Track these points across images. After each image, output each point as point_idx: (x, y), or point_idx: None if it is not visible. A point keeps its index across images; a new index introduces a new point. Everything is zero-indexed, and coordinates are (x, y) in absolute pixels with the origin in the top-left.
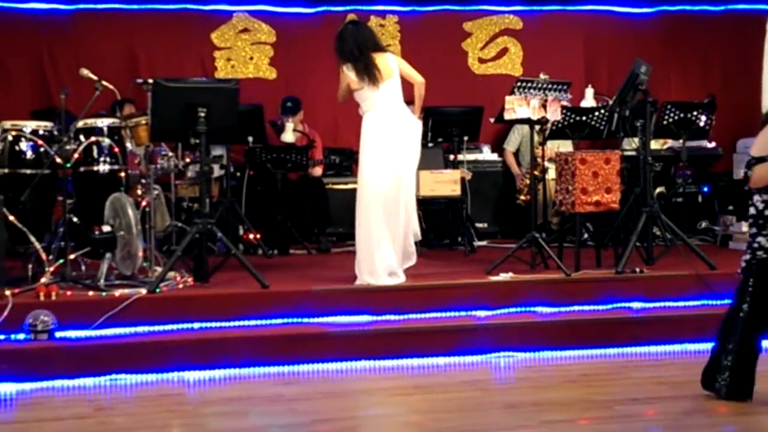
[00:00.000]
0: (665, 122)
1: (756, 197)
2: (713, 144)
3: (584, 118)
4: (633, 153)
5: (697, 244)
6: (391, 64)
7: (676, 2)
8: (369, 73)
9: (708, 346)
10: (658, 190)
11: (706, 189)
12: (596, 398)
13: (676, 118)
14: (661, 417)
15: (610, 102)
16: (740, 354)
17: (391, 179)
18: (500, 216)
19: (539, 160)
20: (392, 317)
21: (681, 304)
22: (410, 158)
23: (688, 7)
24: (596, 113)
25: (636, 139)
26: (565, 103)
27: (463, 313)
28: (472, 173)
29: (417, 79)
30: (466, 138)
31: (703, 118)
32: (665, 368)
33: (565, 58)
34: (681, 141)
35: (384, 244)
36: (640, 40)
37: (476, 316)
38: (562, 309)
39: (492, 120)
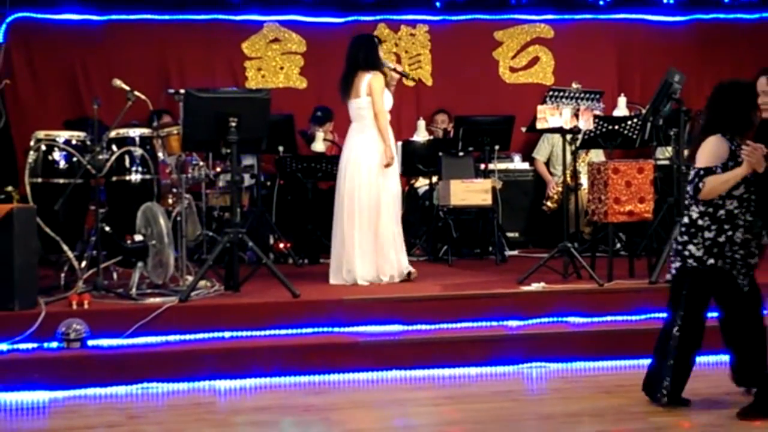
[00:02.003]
0: None
1: (693, 207)
2: None
3: (617, 127)
4: (666, 162)
5: None
6: (362, 84)
7: (710, 10)
8: (343, 87)
9: None
10: None
11: None
12: (629, 409)
13: None
14: (694, 429)
15: (643, 111)
16: (677, 368)
17: (341, 188)
18: (531, 225)
19: (571, 168)
20: (424, 327)
21: (714, 314)
22: (355, 182)
23: (721, 16)
24: (629, 122)
25: (669, 148)
26: (597, 112)
27: (495, 323)
28: (502, 182)
29: (376, 110)
30: (497, 147)
31: None
32: (699, 380)
33: (598, 67)
34: None
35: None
36: (674, 49)
37: (508, 327)
38: (595, 319)
39: (524, 129)
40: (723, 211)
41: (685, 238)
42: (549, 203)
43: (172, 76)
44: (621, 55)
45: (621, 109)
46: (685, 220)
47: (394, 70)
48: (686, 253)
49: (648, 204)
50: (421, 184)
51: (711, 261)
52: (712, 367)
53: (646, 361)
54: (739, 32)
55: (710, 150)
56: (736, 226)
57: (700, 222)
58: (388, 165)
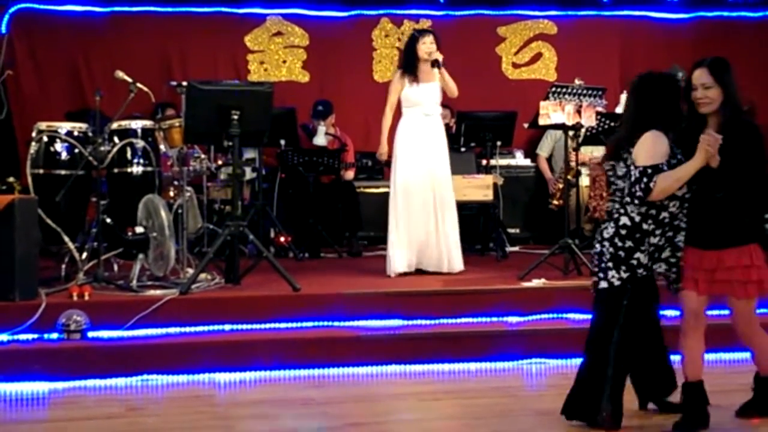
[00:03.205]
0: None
1: (630, 208)
2: None
3: (619, 124)
4: None
5: None
6: None
7: (714, 8)
8: None
9: (743, 355)
10: None
11: None
12: (629, 406)
13: None
14: None
15: None
16: (616, 379)
17: None
18: (532, 221)
19: (573, 165)
20: (423, 322)
21: (715, 312)
22: None
23: (725, 13)
24: None
25: None
26: (599, 108)
27: (494, 319)
28: (504, 178)
29: None
30: (499, 143)
31: None
32: None
33: (601, 64)
34: None
35: None
36: (677, 46)
37: (508, 322)
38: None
39: (526, 125)
40: (666, 213)
41: (630, 243)
42: (554, 201)
43: (175, 68)
44: (624, 51)
45: (623, 106)
46: (624, 221)
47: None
48: (634, 262)
49: None
50: None
51: (657, 266)
52: (711, 364)
53: None
54: (742, 30)
55: (652, 146)
56: (678, 229)
57: (644, 226)
58: (380, 159)
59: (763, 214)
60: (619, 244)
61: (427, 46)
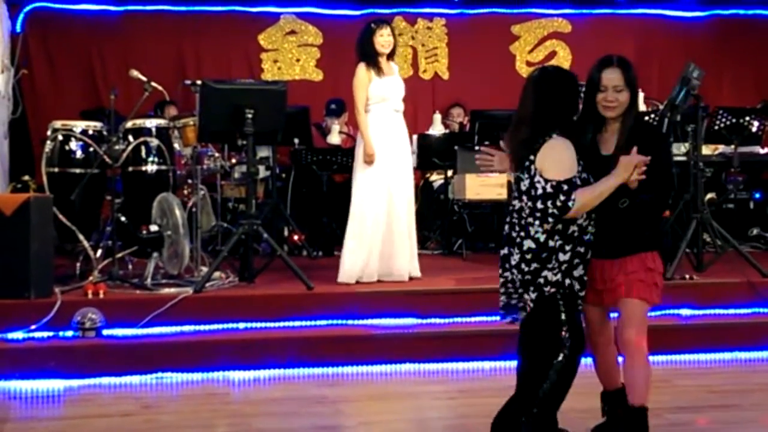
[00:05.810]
0: (717, 127)
1: (533, 229)
2: (766, 150)
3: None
4: (683, 158)
5: (749, 251)
6: None
7: (729, 6)
8: None
9: (760, 354)
10: (709, 196)
11: (757, 195)
12: None
13: (727, 123)
14: (710, 426)
15: (661, 107)
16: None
17: None
18: None
19: None
20: (438, 320)
21: (731, 311)
22: None
23: (741, 11)
24: (646, 118)
25: (686, 144)
26: None
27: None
28: None
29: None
30: None
31: (756, 123)
32: (714, 376)
33: None
34: (733, 146)
35: None
36: (692, 44)
37: None
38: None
39: None
40: (575, 226)
41: (536, 265)
42: None
43: (188, 67)
44: (639, 50)
45: (639, 105)
46: (528, 245)
47: None
48: (541, 280)
49: None
50: (436, 177)
51: (568, 281)
52: (728, 363)
53: (661, 357)
54: (758, 28)
55: (562, 157)
56: (584, 242)
57: (551, 243)
58: (368, 162)
59: (663, 220)
60: (526, 268)
61: (384, 38)
